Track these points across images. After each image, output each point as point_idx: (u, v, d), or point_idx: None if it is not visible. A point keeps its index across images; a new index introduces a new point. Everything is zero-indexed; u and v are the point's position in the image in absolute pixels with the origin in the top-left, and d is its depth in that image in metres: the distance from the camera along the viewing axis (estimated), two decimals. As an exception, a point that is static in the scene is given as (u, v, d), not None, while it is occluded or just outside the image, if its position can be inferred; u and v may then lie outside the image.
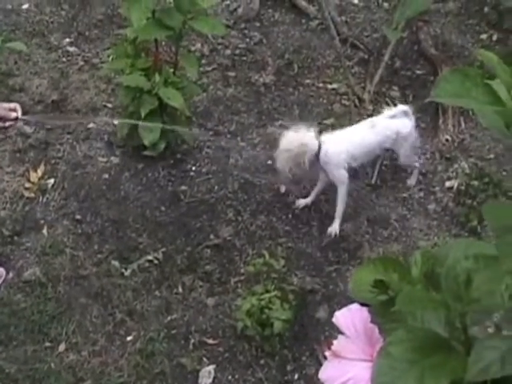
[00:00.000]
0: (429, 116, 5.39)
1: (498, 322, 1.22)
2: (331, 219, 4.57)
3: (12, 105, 3.73)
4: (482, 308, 1.21)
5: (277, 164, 4.56)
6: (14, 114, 3.69)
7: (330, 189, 4.68)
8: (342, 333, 1.44)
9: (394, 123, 4.67)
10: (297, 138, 4.49)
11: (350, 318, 1.44)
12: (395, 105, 5.12)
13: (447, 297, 1.22)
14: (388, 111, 4.77)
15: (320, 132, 4.60)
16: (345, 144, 4.61)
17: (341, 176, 4.56)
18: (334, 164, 4.54)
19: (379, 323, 1.38)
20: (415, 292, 1.24)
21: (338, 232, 4.56)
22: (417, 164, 4.91)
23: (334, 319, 1.45)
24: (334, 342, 1.44)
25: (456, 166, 5.03)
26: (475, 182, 4.81)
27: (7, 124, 3.72)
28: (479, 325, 1.26)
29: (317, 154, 4.49)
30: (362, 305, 1.44)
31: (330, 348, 1.44)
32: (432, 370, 1.18)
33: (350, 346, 1.42)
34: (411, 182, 4.95)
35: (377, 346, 1.35)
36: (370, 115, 5.22)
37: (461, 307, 1.20)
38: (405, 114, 4.71)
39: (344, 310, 1.46)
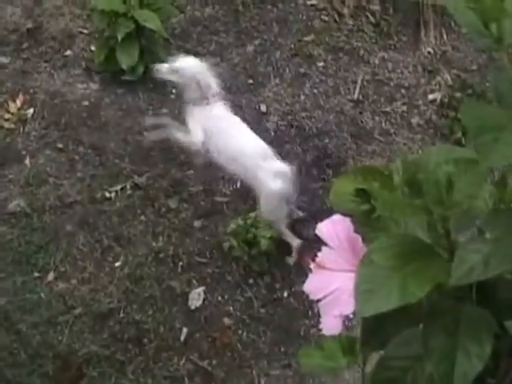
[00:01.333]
0: (410, 28, 5.33)
1: (481, 225, 1.21)
2: (314, 136, 4.53)
3: None
4: (463, 211, 1.20)
5: None
6: None
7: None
8: (326, 244, 1.43)
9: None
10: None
11: (333, 228, 1.42)
12: (375, 18, 5.06)
13: (428, 202, 1.20)
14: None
15: None
16: None
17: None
18: None
19: (362, 233, 1.37)
20: (395, 198, 1.23)
21: None
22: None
23: (316, 231, 1.43)
24: (318, 254, 1.43)
25: (439, 78, 5.00)
26: (458, 94, 4.78)
27: None
28: (462, 230, 1.25)
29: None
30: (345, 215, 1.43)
31: (313, 260, 1.43)
32: (415, 276, 1.17)
33: (334, 257, 1.41)
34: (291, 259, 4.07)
35: (361, 256, 1.34)
36: (350, 30, 5.17)
37: (442, 211, 1.19)
38: None
39: (327, 221, 1.44)
